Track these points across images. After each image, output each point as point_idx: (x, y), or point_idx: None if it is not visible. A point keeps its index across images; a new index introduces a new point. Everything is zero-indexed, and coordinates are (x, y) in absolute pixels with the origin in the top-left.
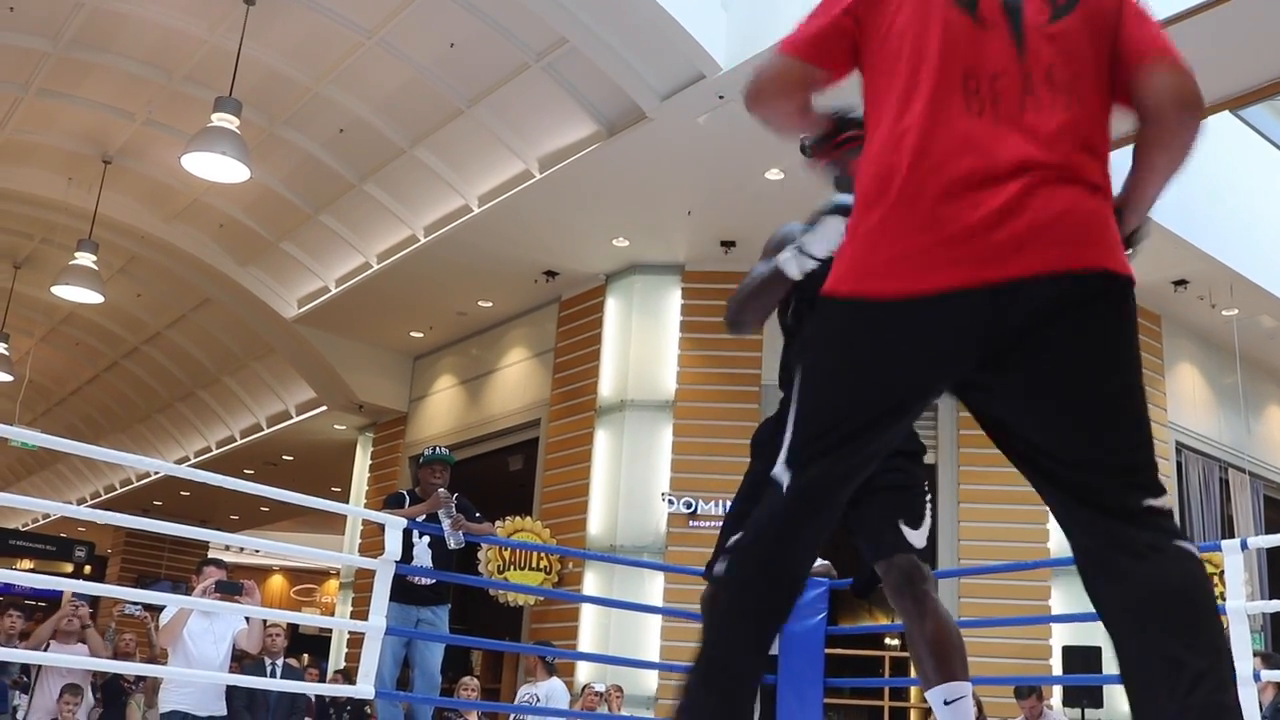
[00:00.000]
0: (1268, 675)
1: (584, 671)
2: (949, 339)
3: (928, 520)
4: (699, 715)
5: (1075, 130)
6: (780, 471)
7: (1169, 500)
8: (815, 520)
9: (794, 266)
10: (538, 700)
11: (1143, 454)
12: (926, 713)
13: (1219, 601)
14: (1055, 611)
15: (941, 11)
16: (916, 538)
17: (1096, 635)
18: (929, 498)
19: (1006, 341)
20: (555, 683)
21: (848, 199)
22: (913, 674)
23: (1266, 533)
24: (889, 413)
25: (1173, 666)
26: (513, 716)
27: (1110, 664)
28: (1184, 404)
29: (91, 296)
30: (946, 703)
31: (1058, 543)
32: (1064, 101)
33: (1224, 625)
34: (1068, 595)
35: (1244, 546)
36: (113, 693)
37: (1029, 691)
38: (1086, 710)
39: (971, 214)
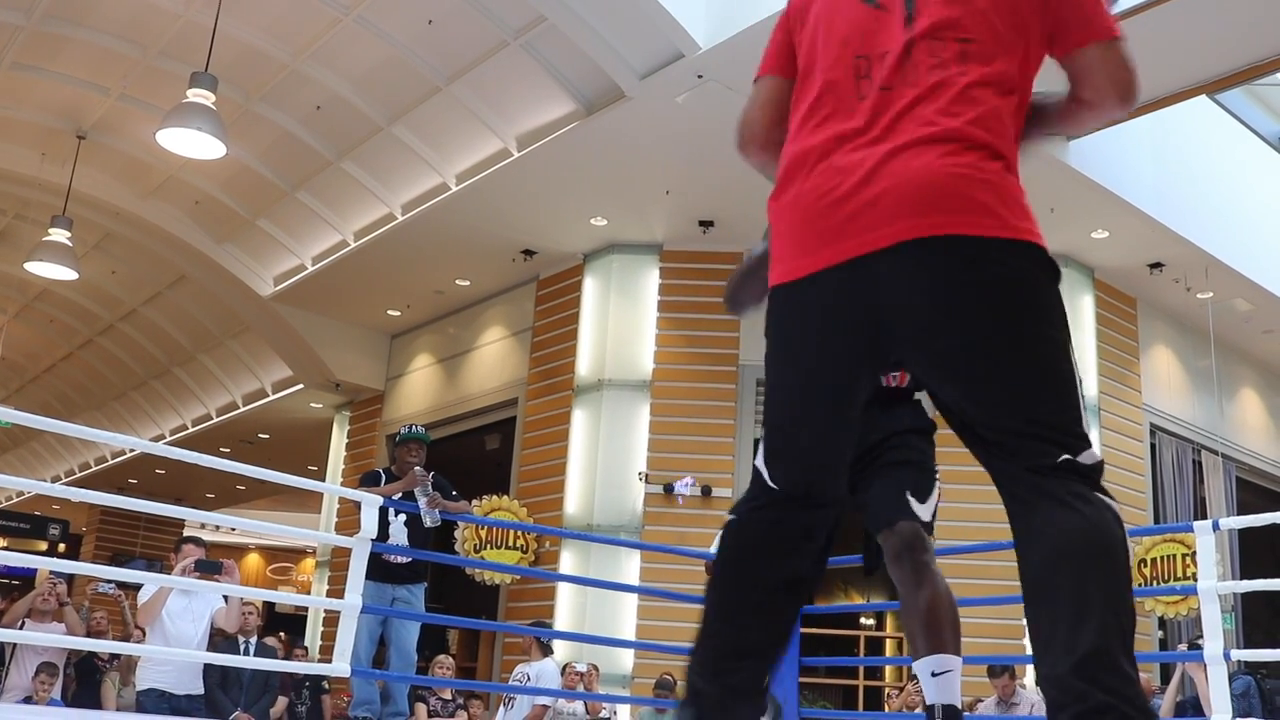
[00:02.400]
0: (1237, 654)
1: (560, 650)
2: (829, 315)
3: (935, 498)
4: None
5: (959, 97)
6: (760, 463)
7: (1093, 455)
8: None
9: None
10: (528, 680)
11: (1054, 413)
12: (900, 692)
13: (1131, 560)
14: None
15: (842, 6)
16: (923, 510)
17: None
18: (938, 479)
19: (893, 314)
20: (548, 664)
21: None
22: (888, 654)
23: (1239, 514)
24: (817, 394)
25: (1054, 622)
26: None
27: None
28: (1158, 386)
29: (66, 273)
30: (934, 674)
31: None
32: (951, 71)
33: (1127, 583)
34: None
35: (1216, 528)
36: (86, 671)
37: (1002, 670)
38: None
39: (834, 193)
